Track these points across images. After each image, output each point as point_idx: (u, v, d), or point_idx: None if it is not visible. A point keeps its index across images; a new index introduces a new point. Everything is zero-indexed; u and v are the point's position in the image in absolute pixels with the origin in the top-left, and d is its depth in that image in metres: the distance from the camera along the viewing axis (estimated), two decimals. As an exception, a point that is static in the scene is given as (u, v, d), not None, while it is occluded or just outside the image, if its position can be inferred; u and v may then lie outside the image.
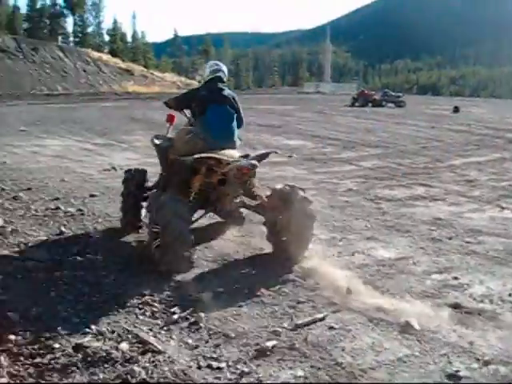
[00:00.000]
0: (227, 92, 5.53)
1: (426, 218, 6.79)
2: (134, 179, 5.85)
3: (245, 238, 5.62)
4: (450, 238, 5.91)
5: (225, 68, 5.71)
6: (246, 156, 5.12)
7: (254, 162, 4.92)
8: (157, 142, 5.65)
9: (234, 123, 5.46)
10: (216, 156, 4.92)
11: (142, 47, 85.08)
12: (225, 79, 5.64)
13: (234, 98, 5.54)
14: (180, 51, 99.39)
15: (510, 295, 4.30)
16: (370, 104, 35.63)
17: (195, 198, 5.09)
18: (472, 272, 4.85)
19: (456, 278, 4.67)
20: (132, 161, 10.95)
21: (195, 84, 65.31)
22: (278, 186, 5.18)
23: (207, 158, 4.91)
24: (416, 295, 4.26)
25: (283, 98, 45.03)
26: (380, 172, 10.31)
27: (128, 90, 46.54)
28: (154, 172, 6.11)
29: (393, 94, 38.87)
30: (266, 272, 4.66)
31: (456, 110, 30.23)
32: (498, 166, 11.36)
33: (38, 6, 73.14)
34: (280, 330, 3.52)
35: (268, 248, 5.19)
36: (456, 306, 4.05)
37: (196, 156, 4.88)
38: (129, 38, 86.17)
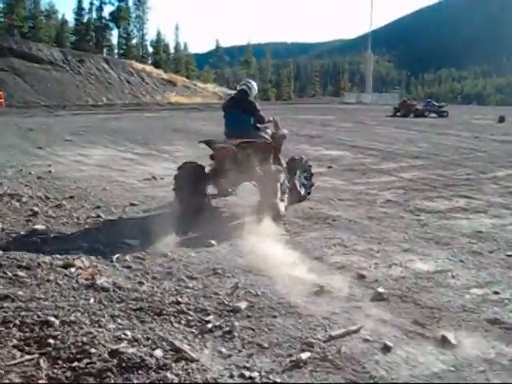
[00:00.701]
0: (246, 100, 7.62)
1: (466, 231, 6.64)
2: None
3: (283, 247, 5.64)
4: (492, 252, 5.75)
5: (253, 84, 7.88)
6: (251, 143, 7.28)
7: (226, 145, 7.31)
8: None
9: (246, 121, 7.50)
10: (210, 140, 7.62)
11: (184, 58, 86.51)
12: (249, 92, 7.71)
13: (252, 105, 7.60)
14: (222, 62, 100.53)
15: (553, 311, 4.17)
16: (412, 114, 35.21)
17: (213, 169, 7.64)
18: (514, 287, 4.73)
19: (496, 293, 4.54)
20: (172, 170, 11.09)
21: (236, 94, 66.06)
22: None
23: (208, 141, 7.57)
24: (454, 309, 4.18)
25: (324, 107, 44.96)
26: (420, 183, 10.15)
27: (170, 101, 47.38)
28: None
29: (435, 103, 38.26)
30: (300, 282, 4.66)
31: (501, 119, 29.51)
32: (545, 178, 11.00)
33: (85, 19, 75.41)
34: (314, 341, 3.51)
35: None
36: (495, 322, 3.94)
37: (203, 140, 7.67)
38: (171, 50, 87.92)
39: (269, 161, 7.59)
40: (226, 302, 4.12)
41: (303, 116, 29.73)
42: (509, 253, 5.70)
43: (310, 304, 4.16)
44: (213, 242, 5.81)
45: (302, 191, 8.21)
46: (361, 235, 6.34)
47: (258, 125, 7.69)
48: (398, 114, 35.41)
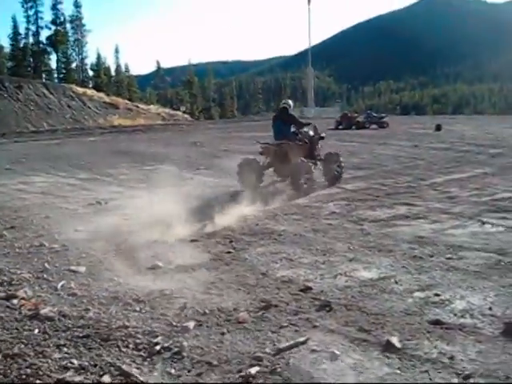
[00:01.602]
0: (285, 114, 10.92)
1: (408, 237, 6.85)
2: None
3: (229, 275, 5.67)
4: (432, 256, 5.96)
5: (290, 102, 11.35)
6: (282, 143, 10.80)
7: (268, 145, 10.99)
8: None
9: (286, 129, 10.86)
10: (260, 142, 11.22)
11: (125, 80, 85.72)
12: (289, 108, 11.03)
13: (290, 116, 11.00)
14: (163, 83, 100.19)
15: (490, 309, 4.34)
16: (353, 126, 35.96)
17: (267, 162, 11.11)
18: (453, 288, 4.90)
19: (437, 295, 4.71)
20: (116, 194, 11.00)
21: (180, 114, 65.87)
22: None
23: (259, 141, 11.23)
24: (397, 314, 4.30)
25: (268, 124, 45.17)
26: (363, 193, 10.41)
27: (113, 124, 46.59)
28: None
29: (375, 115, 39.23)
30: (248, 298, 4.70)
31: (438, 128, 30.51)
32: (480, 182, 11.48)
33: (21, 44, 73.58)
34: (262, 355, 3.55)
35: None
36: (437, 323, 4.08)
37: (257, 140, 11.48)
38: (112, 72, 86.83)
39: (301, 156, 10.59)
40: (175, 323, 4.10)
41: (248, 134, 29.78)
42: (448, 256, 5.92)
43: (258, 319, 4.21)
44: (160, 263, 5.77)
45: (336, 175, 11.63)
46: (306, 248, 6.44)
47: (296, 130, 10.99)
48: (340, 126, 36.10)
